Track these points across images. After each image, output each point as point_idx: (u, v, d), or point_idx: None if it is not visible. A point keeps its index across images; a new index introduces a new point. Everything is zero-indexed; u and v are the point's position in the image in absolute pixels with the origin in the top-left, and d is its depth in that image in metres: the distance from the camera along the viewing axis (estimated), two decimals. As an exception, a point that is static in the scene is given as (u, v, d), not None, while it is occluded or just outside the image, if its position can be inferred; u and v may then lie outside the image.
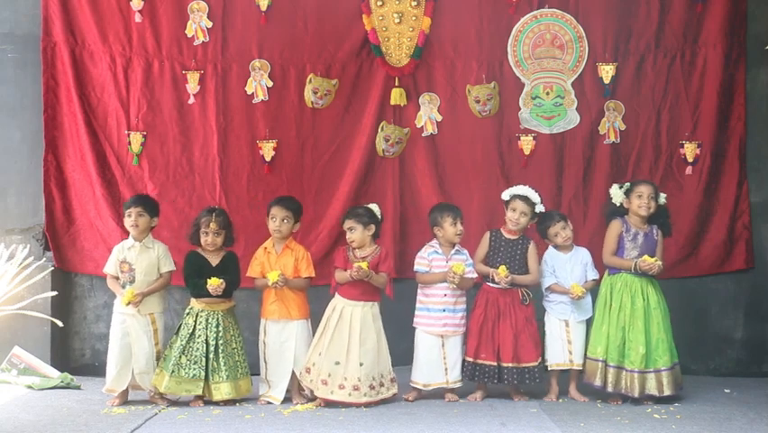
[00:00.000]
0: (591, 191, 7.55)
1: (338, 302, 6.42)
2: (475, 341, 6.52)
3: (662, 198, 6.60)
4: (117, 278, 6.45)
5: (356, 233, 6.42)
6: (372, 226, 6.46)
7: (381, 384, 6.35)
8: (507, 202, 6.62)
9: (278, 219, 6.49)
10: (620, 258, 6.48)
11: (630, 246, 6.48)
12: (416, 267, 6.62)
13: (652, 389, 6.30)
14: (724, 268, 7.56)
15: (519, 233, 6.60)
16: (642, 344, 6.32)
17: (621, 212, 6.56)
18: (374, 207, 6.58)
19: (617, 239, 6.51)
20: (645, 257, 6.37)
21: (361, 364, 6.28)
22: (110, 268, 6.50)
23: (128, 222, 6.46)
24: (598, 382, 6.40)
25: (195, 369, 6.30)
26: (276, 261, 6.49)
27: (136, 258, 6.43)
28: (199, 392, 6.30)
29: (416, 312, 6.60)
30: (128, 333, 6.39)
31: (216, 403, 6.32)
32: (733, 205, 7.56)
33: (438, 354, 6.50)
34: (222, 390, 6.32)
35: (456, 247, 6.59)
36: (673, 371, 6.38)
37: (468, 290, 6.59)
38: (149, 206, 6.54)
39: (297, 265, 6.49)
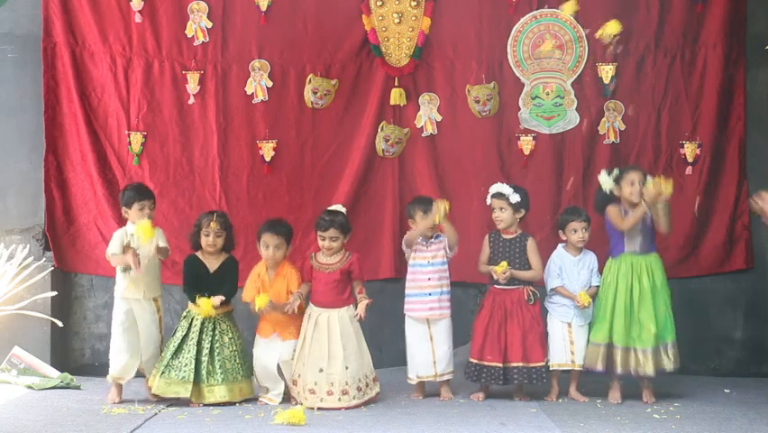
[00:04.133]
0: (591, 192, 7.53)
1: (312, 310, 6.41)
2: (479, 342, 6.53)
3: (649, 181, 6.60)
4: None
5: (338, 242, 6.42)
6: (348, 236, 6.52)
7: (366, 385, 6.36)
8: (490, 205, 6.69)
9: (271, 247, 6.42)
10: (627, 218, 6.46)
11: (634, 227, 6.49)
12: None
13: (664, 364, 6.36)
14: (724, 268, 7.56)
15: (515, 231, 6.61)
16: (653, 322, 6.35)
17: (612, 200, 6.56)
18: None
19: (621, 216, 6.49)
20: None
21: (346, 368, 6.28)
22: (116, 249, 6.38)
23: (142, 215, 6.37)
24: (599, 367, 6.41)
25: (184, 371, 6.29)
26: (270, 286, 6.45)
27: (140, 244, 6.40)
28: (187, 395, 6.27)
29: (405, 300, 6.65)
30: (135, 320, 6.40)
31: (216, 405, 6.31)
32: (733, 205, 7.56)
33: (427, 344, 6.53)
34: (216, 392, 6.31)
35: (436, 233, 6.62)
36: (676, 346, 6.45)
37: (454, 243, 6.56)
38: (154, 198, 6.55)
39: (288, 289, 6.45)
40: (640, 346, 6.36)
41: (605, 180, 6.58)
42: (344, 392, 6.25)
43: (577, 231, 6.59)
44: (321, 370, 6.27)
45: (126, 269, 6.39)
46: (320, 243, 6.44)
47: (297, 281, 6.47)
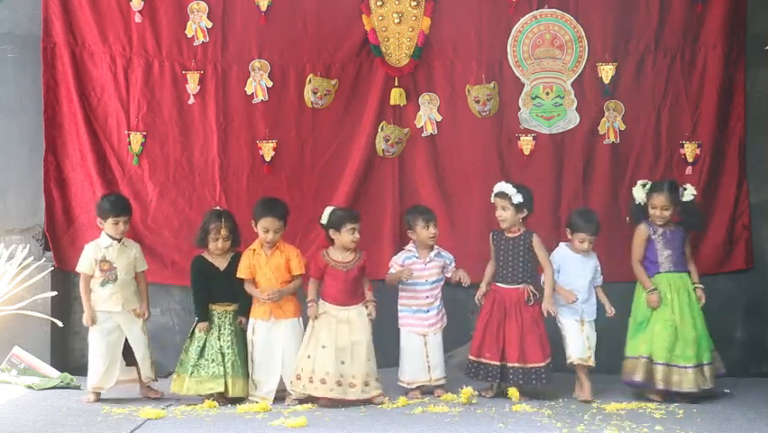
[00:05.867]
0: (591, 191, 7.54)
1: (328, 308, 6.43)
2: (479, 340, 6.57)
3: (689, 193, 6.58)
4: (91, 276, 6.49)
5: (357, 234, 6.47)
6: None
7: (377, 379, 6.45)
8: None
9: (271, 232, 6.46)
10: (644, 272, 6.55)
11: (661, 246, 6.53)
12: (389, 271, 6.74)
13: (705, 384, 6.36)
14: (724, 268, 7.55)
15: (518, 229, 6.61)
16: (694, 340, 6.38)
17: (646, 212, 6.59)
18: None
19: (643, 245, 6.56)
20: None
21: (368, 360, 6.38)
22: (86, 267, 6.51)
23: (116, 229, 6.48)
24: (638, 378, 6.38)
25: (213, 366, 6.35)
26: (266, 262, 6.47)
27: (117, 257, 6.49)
28: (221, 389, 6.32)
29: (401, 313, 6.69)
30: (116, 328, 6.46)
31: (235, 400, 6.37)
32: (733, 205, 7.55)
33: (421, 352, 6.60)
34: (238, 386, 6.39)
35: (435, 249, 6.69)
36: (712, 366, 6.48)
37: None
38: (131, 210, 6.64)
39: (287, 265, 6.49)
40: (683, 364, 6.35)
41: (638, 194, 6.60)
42: (366, 384, 6.34)
43: (584, 242, 6.59)
44: (343, 362, 6.31)
45: (105, 282, 6.45)
46: (349, 237, 6.43)
47: (299, 257, 6.52)
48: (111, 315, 6.47)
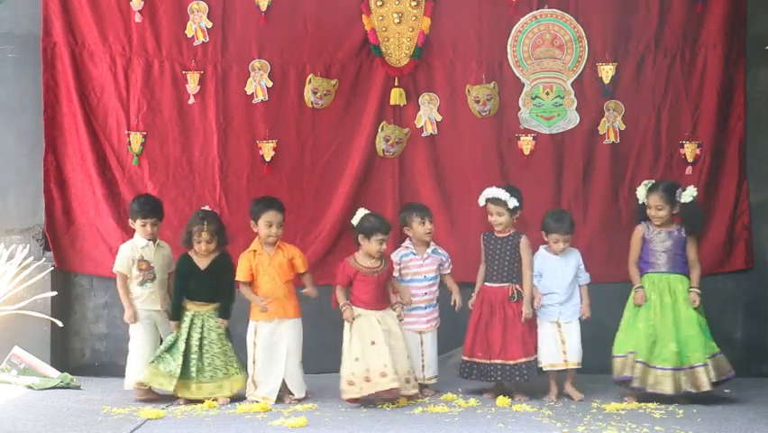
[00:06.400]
0: (591, 191, 7.55)
1: (364, 313, 6.39)
2: (471, 339, 6.60)
3: (688, 195, 6.52)
4: (127, 276, 6.54)
5: (384, 245, 6.47)
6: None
7: (415, 378, 6.49)
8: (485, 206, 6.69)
9: (274, 226, 6.47)
10: (636, 271, 6.54)
11: (657, 246, 6.51)
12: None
13: (688, 386, 6.29)
14: (723, 268, 7.55)
15: (509, 230, 6.62)
16: (673, 341, 6.32)
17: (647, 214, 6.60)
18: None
19: (639, 244, 6.55)
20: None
21: (407, 357, 6.40)
22: (123, 267, 6.56)
23: (144, 231, 6.55)
24: (628, 374, 6.34)
25: (172, 366, 6.35)
26: (269, 262, 6.48)
27: (153, 257, 6.56)
28: (171, 388, 6.33)
29: None
30: (154, 326, 6.56)
31: (202, 401, 6.34)
32: (732, 205, 7.55)
33: (417, 351, 6.61)
34: (204, 389, 6.38)
35: (432, 246, 6.71)
36: (711, 363, 6.33)
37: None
38: (161, 213, 6.69)
39: (291, 264, 6.50)
40: (660, 365, 6.32)
41: (640, 193, 6.60)
42: (415, 378, 6.42)
43: (558, 242, 6.60)
44: (401, 361, 6.33)
45: (144, 282, 6.52)
46: (376, 246, 6.38)
47: (302, 256, 6.57)
48: (150, 313, 6.56)
